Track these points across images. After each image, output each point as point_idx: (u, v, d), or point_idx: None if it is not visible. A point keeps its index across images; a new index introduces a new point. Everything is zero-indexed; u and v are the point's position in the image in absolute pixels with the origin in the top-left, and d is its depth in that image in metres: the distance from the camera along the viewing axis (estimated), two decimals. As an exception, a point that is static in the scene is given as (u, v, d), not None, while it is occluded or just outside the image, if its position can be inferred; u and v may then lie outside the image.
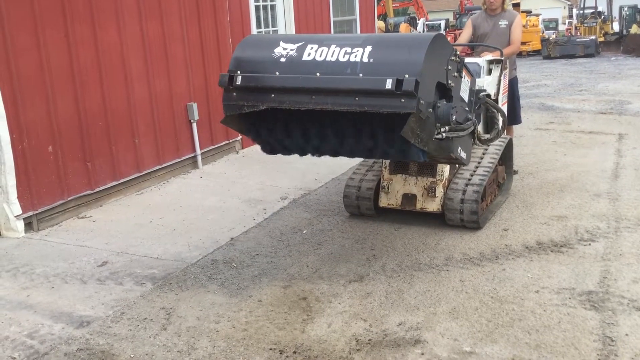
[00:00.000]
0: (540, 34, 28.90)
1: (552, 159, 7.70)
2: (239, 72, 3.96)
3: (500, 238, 5.15)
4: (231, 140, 8.48)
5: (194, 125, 7.62)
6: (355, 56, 3.69)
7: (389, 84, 3.53)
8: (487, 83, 5.96)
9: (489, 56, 6.17)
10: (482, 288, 4.28)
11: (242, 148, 8.72)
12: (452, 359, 3.46)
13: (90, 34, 6.18)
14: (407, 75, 3.50)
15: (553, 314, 3.88)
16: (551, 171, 7.11)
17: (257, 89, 3.92)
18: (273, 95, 3.87)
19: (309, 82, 3.76)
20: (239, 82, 3.93)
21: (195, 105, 7.57)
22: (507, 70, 6.50)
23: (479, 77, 6.00)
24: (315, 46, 3.82)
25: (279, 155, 4.72)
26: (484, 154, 5.59)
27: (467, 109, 4.24)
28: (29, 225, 5.69)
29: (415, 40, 3.78)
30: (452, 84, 3.94)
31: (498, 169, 5.93)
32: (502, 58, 6.14)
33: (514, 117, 6.89)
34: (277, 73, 3.86)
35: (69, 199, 6.01)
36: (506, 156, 6.12)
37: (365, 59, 3.66)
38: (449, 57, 3.88)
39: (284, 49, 3.90)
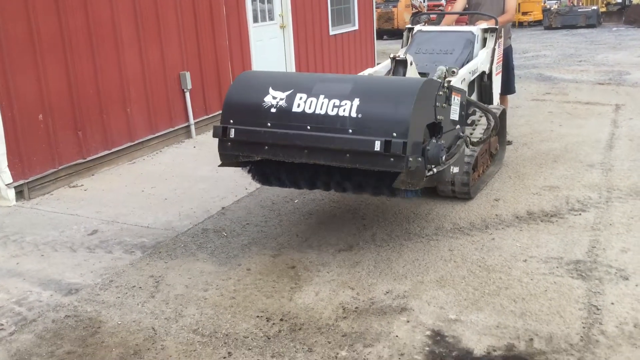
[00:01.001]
0: (542, 4, 28.54)
1: (547, 129, 7.66)
2: (231, 121, 4.04)
3: (491, 208, 5.14)
4: (225, 110, 8.41)
5: (187, 95, 7.56)
6: (344, 110, 3.74)
7: (377, 145, 3.61)
8: (482, 60, 5.91)
9: (484, 25, 6.09)
10: (471, 257, 4.29)
11: (237, 118, 8.66)
12: (437, 326, 3.48)
13: (81, 0, 6.10)
14: (395, 134, 3.60)
15: (540, 283, 3.89)
16: (545, 142, 7.08)
17: (251, 142, 4.03)
18: (267, 148, 3.98)
19: (301, 139, 3.83)
20: (233, 136, 4.04)
21: (188, 74, 7.51)
22: (502, 39, 6.43)
23: (473, 46, 5.94)
24: (304, 96, 3.87)
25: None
26: (476, 124, 5.54)
27: (458, 126, 4.35)
28: (20, 193, 5.68)
29: (402, 92, 3.77)
30: (442, 117, 4.03)
31: (491, 140, 5.89)
32: (497, 27, 6.07)
33: (508, 86, 6.84)
34: (269, 124, 3.93)
35: (60, 167, 5.99)
36: (499, 127, 6.07)
37: (353, 114, 3.72)
38: (437, 93, 3.94)
39: (274, 97, 3.96)
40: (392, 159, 3.63)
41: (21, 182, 5.64)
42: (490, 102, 6.24)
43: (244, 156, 4.15)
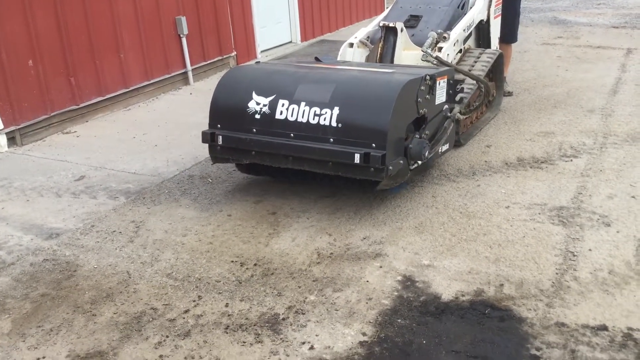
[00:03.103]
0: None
1: (553, 74, 7.45)
2: (219, 126, 4.23)
3: (482, 154, 5.05)
4: (225, 57, 8.31)
5: (184, 40, 7.45)
6: (325, 119, 3.88)
7: (357, 158, 3.74)
8: (479, 9, 5.71)
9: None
10: (453, 204, 4.23)
11: (237, 64, 8.56)
12: (409, 271, 3.46)
13: (68, -57, 5.97)
14: (374, 145, 3.73)
15: (519, 229, 3.83)
16: (549, 87, 6.89)
17: (239, 149, 4.19)
18: (254, 153, 4.16)
19: (285, 148, 3.99)
20: (221, 142, 4.21)
21: (184, 19, 7.37)
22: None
23: None
24: (286, 102, 4.00)
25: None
26: (470, 70, 5.38)
27: (445, 106, 4.43)
28: (12, 140, 5.70)
29: (380, 101, 3.82)
30: (425, 110, 4.11)
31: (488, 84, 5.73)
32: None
33: (511, 34, 6.59)
34: (254, 130, 4.10)
35: (52, 114, 5.98)
36: (496, 71, 5.90)
37: (334, 123, 3.85)
38: (419, 89, 3.99)
39: (257, 103, 4.09)
40: (372, 169, 3.77)
41: (12, 128, 5.65)
42: (488, 47, 6.06)
43: (233, 159, 4.37)
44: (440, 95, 4.34)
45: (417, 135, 4.07)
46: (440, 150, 4.44)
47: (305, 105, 3.95)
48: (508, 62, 6.70)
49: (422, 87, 4.03)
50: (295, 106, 3.98)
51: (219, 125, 4.25)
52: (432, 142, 4.28)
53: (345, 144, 3.82)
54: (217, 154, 4.33)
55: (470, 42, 5.93)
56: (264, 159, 4.16)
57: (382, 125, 3.74)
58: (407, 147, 3.97)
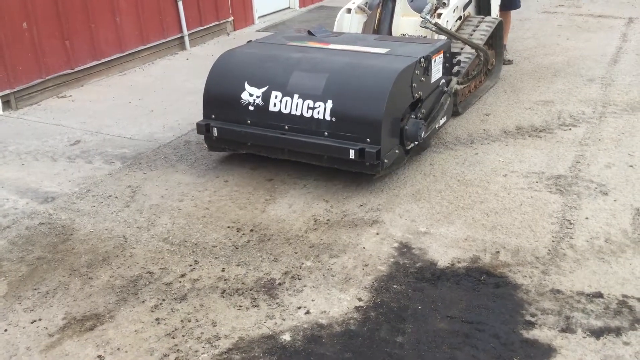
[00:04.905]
0: None
1: (553, 43, 7.37)
2: (213, 116, 4.24)
3: (480, 123, 5.02)
4: (222, 22, 8.19)
5: (180, 4, 7.32)
6: (318, 112, 3.87)
7: (352, 154, 3.74)
8: None
9: None
10: (451, 172, 4.22)
11: (234, 30, 8.45)
12: (405, 238, 3.46)
13: None
14: (368, 140, 3.73)
15: (516, 197, 3.83)
16: (549, 56, 6.83)
17: (234, 141, 4.22)
18: (249, 144, 4.18)
19: (280, 142, 4.01)
20: (216, 134, 4.21)
21: (180, -17, 7.26)
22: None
23: None
24: (279, 94, 3.98)
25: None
26: (468, 38, 5.31)
27: (442, 81, 4.41)
28: (7, 103, 5.64)
29: (373, 93, 3.80)
30: (421, 93, 4.10)
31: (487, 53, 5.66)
32: None
33: (512, 0, 6.50)
34: (249, 121, 4.10)
35: (47, 78, 5.91)
36: (496, 39, 5.84)
37: (327, 117, 3.84)
38: (413, 74, 3.96)
39: (250, 94, 4.08)
40: (367, 164, 3.78)
41: (7, 91, 5.58)
42: (489, 14, 5.98)
43: (229, 149, 4.38)
44: (437, 72, 4.32)
45: (412, 116, 4.05)
46: (437, 126, 4.43)
47: (299, 98, 3.93)
48: (508, 30, 6.63)
49: (417, 71, 4.00)
50: (288, 98, 3.96)
51: (213, 116, 4.25)
52: (428, 120, 4.27)
53: (339, 137, 3.84)
54: (213, 144, 4.35)
55: (471, 9, 5.86)
56: (259, 150, 4.20)
57: (376, 120, 3.74)
58: (402, 128, 3.96)
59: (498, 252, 3.29)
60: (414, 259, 3.27)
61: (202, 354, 2.66)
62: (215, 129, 4.20)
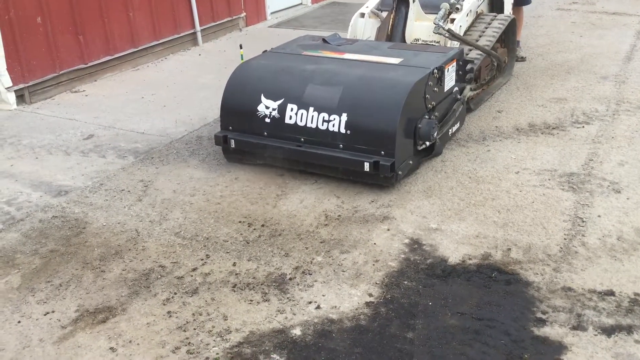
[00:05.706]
0: None
1: (567, 40, 7.32)
2: (230, 127, 4.29)
3: (493, 120, 5.00)
4: (234, 17, 8.21)
5: (193, 0, 7.35)
6: (333, 125, 3.92)
7: (366, 166, 3.79)
8: None
9: None
10: (462, 168, 4.21)
11: (247, 26, 8.47)
12: (416, 234, 3.46)
13: None
14: (382, 152, 3.78)
15: (528, 195, 3.82)
16: (562, 53, 6.79)
17: (251, 152, 4.26)
18: (266, 156, 4.22)
19: (296, 154, 4.04)
20: (233, 145, 4.25)
21: (193, -22, 7.27)
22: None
23: None
24: (295, 107, 4.02)
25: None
26: (480, 36, 5.28)
27: (455, 89, 4.45)
28: (21, 98, 5.69)
29: (387, 106, 3.83)
30: (434, 103, 4.12)
31: (499, 51, 5.65)
32: None
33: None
34: (265, 133, 4.15)
35: (61, 72, 5.95)
36: (508, 36, 5.81)
37: (342, 130, 3.90)
38: (426, 85, 3.99)
39: (267, 107, 4.12)
40: (382, 176, 3.82)
41: (21, 86, 5.63)
42: (501, 12, 5.94)
43: (246, 160, 4.38)
44: (450, 81, 4.34)
45: (426, 116, 4.06)
46: (450, 132, 4.45)
47: (314, 111, 3.98)
48: (521, 26, 6.59)
49: (430, 82, 4.02)
50: (304, 111, 4.01)
51: (230, 128, 4.30)
52: (441, 123, 4.28)
53: (354, 150, 3.88)
54: (230, 155, 4.39)
55: (483, 6, 5.83)
56: (276, 162, 4.23)
57: (390, 133, 3.78)
58: (416, 127, 3.97)
59: (509, 249, 3.28)
60: (425, 255, 3.27)
61: (213, 347, 2.68)
62: (233, 140, 4.24)
